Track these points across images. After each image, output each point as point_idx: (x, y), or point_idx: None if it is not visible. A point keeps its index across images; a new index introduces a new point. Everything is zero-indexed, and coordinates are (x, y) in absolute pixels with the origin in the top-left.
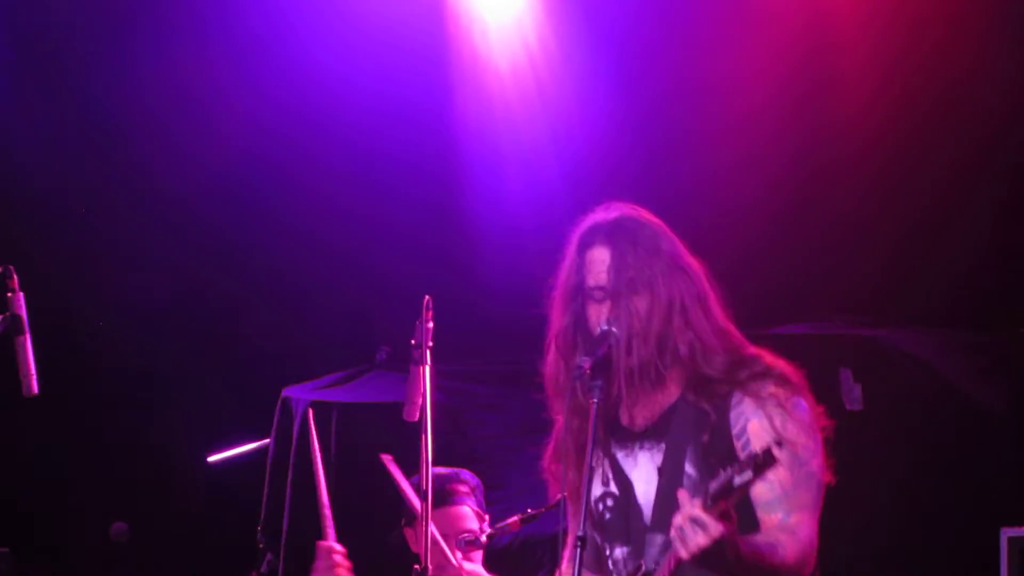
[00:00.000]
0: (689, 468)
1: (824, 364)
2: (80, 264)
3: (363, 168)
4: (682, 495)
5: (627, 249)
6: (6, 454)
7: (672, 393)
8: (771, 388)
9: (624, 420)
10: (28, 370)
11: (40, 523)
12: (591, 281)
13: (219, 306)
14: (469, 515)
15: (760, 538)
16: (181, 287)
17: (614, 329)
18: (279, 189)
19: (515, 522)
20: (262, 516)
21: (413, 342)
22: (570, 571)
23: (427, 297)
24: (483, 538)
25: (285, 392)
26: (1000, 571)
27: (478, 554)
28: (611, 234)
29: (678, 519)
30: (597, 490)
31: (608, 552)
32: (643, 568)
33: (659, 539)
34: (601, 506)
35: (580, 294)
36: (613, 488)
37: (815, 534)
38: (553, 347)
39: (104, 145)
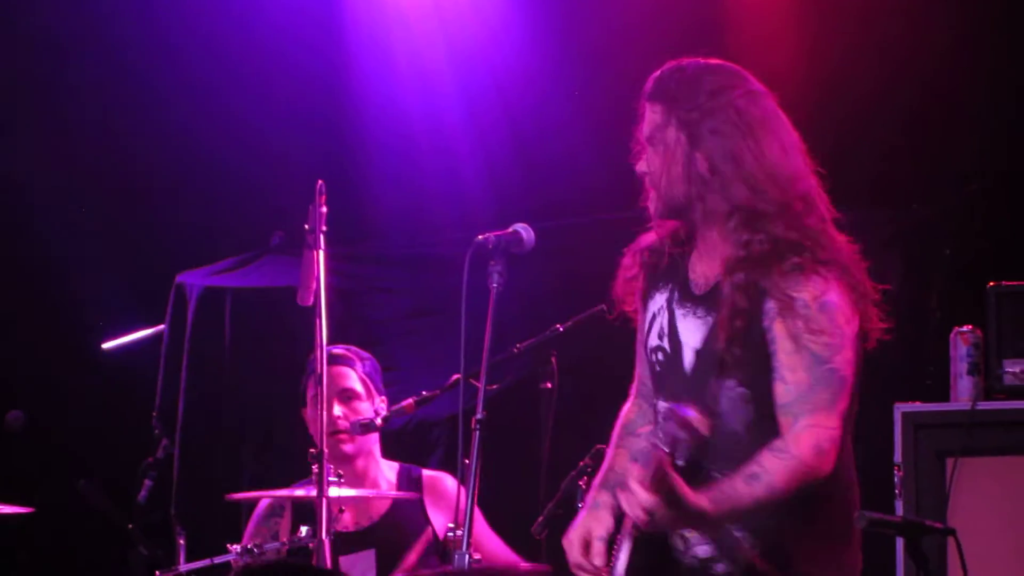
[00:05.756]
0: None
1: None
2: None
3: (255, 59)
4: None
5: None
6: None
7: (718, 263)
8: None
9: (691, 275)
10: None
11: None
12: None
13: (111, 192)
14: (351, 376)
15: (724, 483)
16: (72, 172)
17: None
18: (172, 73)
19: (409, 405)
20: (157, 403)
21: (307, 227)
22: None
23: (320, 181)
24: (378, 421)
25: (179, 278)
26: (894, 445)
27: (374, 437)
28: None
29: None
30: (653, 341)
31: (655, 401)
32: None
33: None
34: (654, 357)
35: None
36: (666, 344)
37: (833, 436)
38: None
39: None
